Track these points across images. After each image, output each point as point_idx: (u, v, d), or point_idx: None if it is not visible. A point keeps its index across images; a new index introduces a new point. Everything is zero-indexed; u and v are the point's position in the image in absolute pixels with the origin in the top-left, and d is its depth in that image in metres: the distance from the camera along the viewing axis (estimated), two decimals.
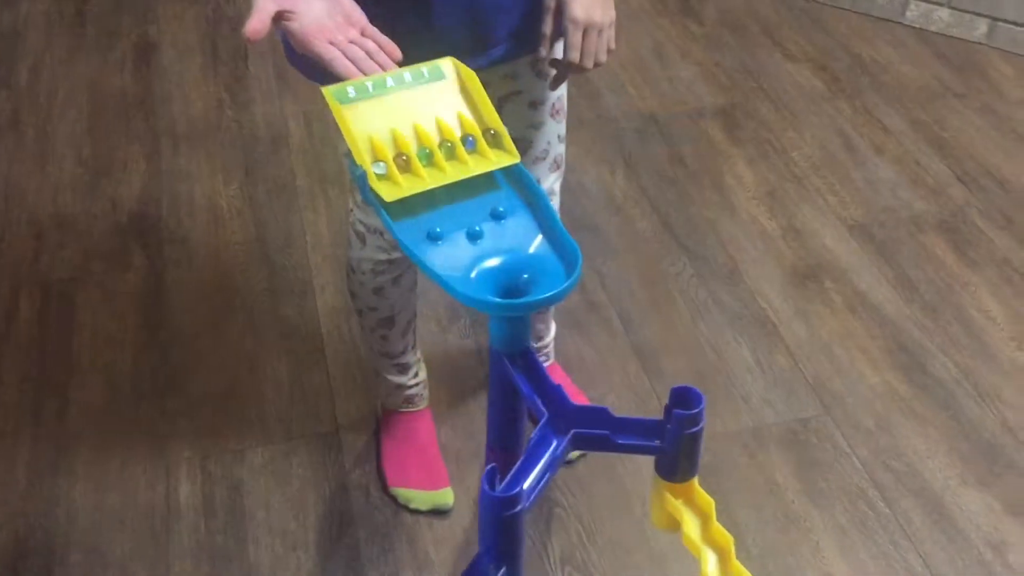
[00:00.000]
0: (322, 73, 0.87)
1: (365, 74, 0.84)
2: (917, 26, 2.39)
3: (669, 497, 0.74)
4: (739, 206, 1.89)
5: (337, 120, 0.81)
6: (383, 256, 1.24)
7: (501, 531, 0.70)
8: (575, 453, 1.44)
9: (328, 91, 0.83)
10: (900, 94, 2.18)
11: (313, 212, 1.89)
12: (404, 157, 0.81)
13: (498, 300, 0.74)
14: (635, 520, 1.38)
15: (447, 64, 0.87)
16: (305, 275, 1.75)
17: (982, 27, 2.32)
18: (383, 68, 0.86)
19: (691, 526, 0.73)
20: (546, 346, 1.51)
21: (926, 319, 1.67)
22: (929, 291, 1.72)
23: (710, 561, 0.71)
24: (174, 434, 1.49)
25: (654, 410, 1.49)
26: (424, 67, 0.86)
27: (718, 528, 0.72)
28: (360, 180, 0.80)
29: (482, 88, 0.86)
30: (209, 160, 2.00)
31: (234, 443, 1.48)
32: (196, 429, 1.50)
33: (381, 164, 0.80)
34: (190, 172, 1.98)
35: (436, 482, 1.40)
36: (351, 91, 0.83)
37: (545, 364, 1.54)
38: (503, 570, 0.70)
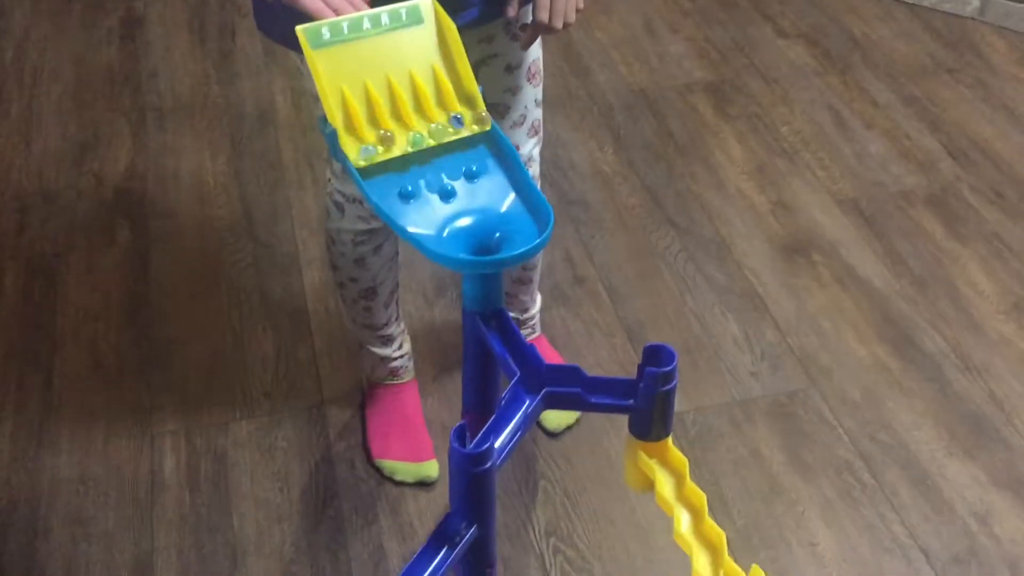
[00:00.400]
0: (293, 37, 0.86)
1: (339, 14, 0.82)
2: (910, 1, 2.37)
3: (643, 456, 0.74)
4: (728, 181, 1.88)
5: (310, 67, 0.80)
6: (362, 226, 1.23)
7: (471, 489, 0.69)
8: (559, 424, 1.43)
9: (302, 31, 0.82)
10: (892, 69, 2.17)
11: (300, 188, 1.87)
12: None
13: (469, 257, 0.74)
14: (620, 491, 1.37)
15: (427, 7, 0.86)
16: (291, 250, 1.74)
17: (974, 2, 2.30)
18: (357, 9, 0.84)
19: (665, 485, 0.72)
20: (532, 319, 1.51)
21: (915, 293, 1.67)
22: (918, 265, 1.71)
23: (684, 520, 0.71)
24: (158, 407, 1.48)
25: None
26: (403, 8, 0.85)
27: (692, 487, 0.72)
28: (330, 138, 0.79)
29: (459, 40, 0.85)
30: (195, 136, 1.99)
31: (218, 417, 1.47)
32: (180, 403, 1.49)
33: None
34: (176, 148, 1.96)
35: (421, 454, 1.40)
36: (326, 32, 0.82)
37: (531, 337, 1.53)
38: (473, 529, 0.69)
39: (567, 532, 1.33)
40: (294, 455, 1.42)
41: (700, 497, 0.71)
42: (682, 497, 0.72)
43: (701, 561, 0.69)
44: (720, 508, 1.34)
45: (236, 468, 1.40)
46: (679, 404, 1.47)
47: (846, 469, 1.40)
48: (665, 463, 0.73)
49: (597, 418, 1.46)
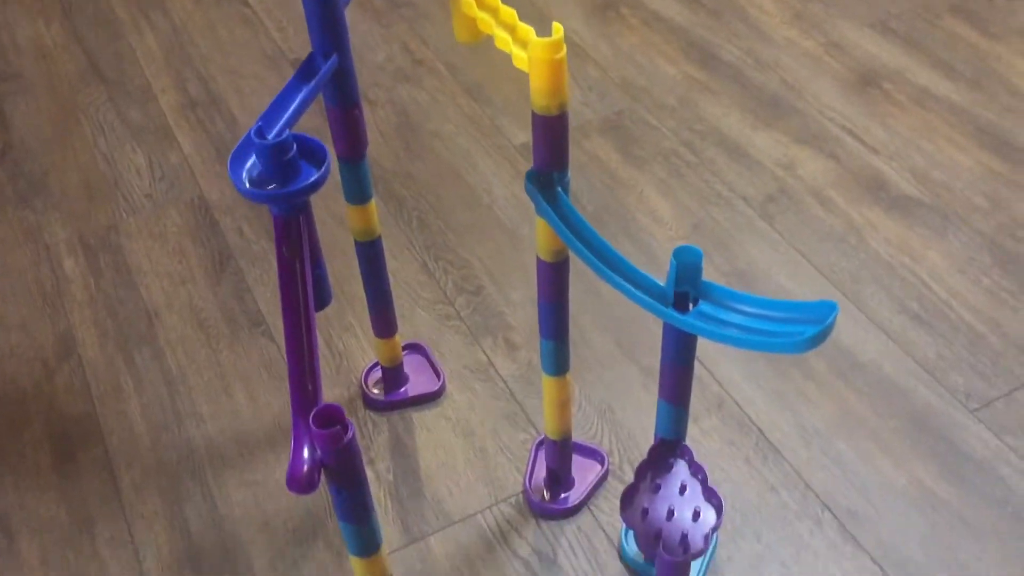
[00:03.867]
0: None
1: None
2: None
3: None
4: None
5: None
6: None
7: (325, 22, 0.83)
8: None
9: None
10: None
11: (139, 35, 1.95)
12: None
13: None
14: (485, 209, 1.55)
15: None
16: (143, 83, 1.83)
17: None
18: None
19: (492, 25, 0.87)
20: None
21: (711, 22, 1.89)
22: (711, 1, 1.94)
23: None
24: (47, 224, 1.57)
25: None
26: None
27: (524, 27, 0.86)
28: None
29: None
30: (24, 8, 2.03)
31: (106, 220, 1.57)
32: (67, 216, 1.58)
33: None
34: (6, 21, 2.00)
35: None
36: None
37: None
38: (333, 58, 0.83)
39: (444, 244, 1.50)
40: (185, 235, 1.54)
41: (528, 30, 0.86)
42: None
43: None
44: (572, 199, 1.53)
45: (133, 253, 1.51)
46: None
47: (672, 155, 1.62)
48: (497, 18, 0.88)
49: (462, 158, 1.63)
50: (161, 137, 1.72)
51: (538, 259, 0.94)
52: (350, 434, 0.74)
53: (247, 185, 0.78)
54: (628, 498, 0.96)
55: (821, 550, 1.10)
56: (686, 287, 0.86)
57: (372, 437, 1.25)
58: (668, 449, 0.98)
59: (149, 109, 1.78)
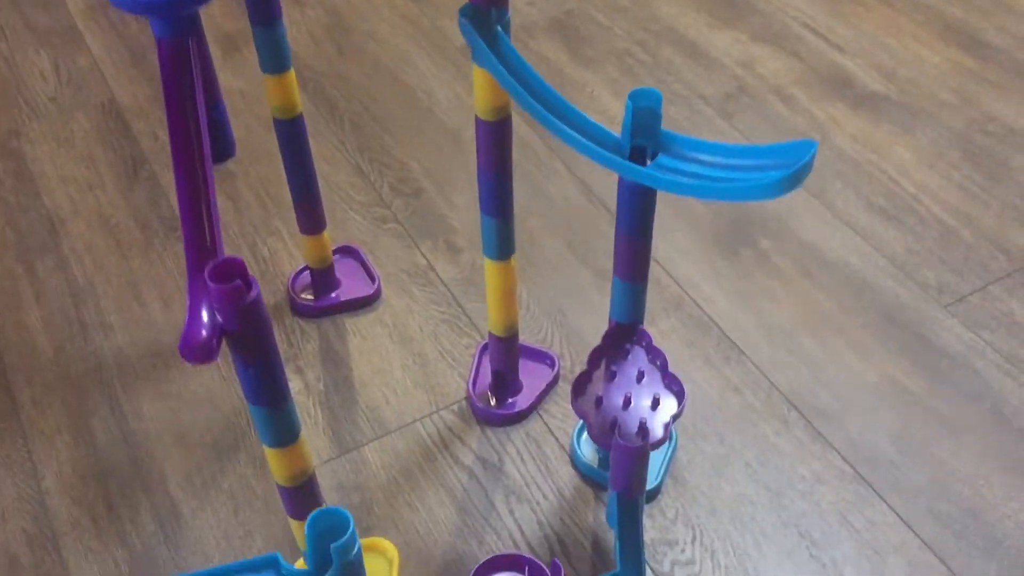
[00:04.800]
0: None
1: None
2: None
3: None
4: None
5: None
6: None
7: None
8: None
9: None
10: None
11: None
12: None
13: None
14: (424, 111, 1.44)
15: None
16: None
17: None
18: None
19: None
20: None
21: None
22: None
23: None
24: None
25: None
26: None
27: None
28: None
29: None
30: None
31: (6, 125, 1.42)
32: None
33: None
34: None
35: None
36: None
37: None
38: None
39: (380, 146, 1.38)
40: (94, 140, 1.40)
41: None
42: None
43: None
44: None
45: (36, 160, 1.37)
46: None
47: (626, 54, 1.52)
48: None
49: (399, 60, 1.51)
50: (68, 40, 1.57)
51: (477, 119, 0.83)
52: (254, 293, 0.63)
53: None
54: (580, 386, 0.86)
55: (788, 450, 1.02)
56: (643, 139, 0.76)
57: (300, 345, 1.14)
58: (624, 334, 0.89)
59: (55, 11, 1.63)
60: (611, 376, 0.86)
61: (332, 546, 0.56)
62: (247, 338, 0.64)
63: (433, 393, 1.08)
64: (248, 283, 0.62)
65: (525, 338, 1.11)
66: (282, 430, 0.72)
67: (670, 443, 1.02)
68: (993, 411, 1.05)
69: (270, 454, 0.75)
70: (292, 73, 0.97)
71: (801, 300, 1.17)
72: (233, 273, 0.62)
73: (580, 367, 1.10)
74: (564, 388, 1.08)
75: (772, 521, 0.96)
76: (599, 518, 0.98)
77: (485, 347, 1.11)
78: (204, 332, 0.62)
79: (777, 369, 1.09)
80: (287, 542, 0.96)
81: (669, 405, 0.84)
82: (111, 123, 1.42)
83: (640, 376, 0.86)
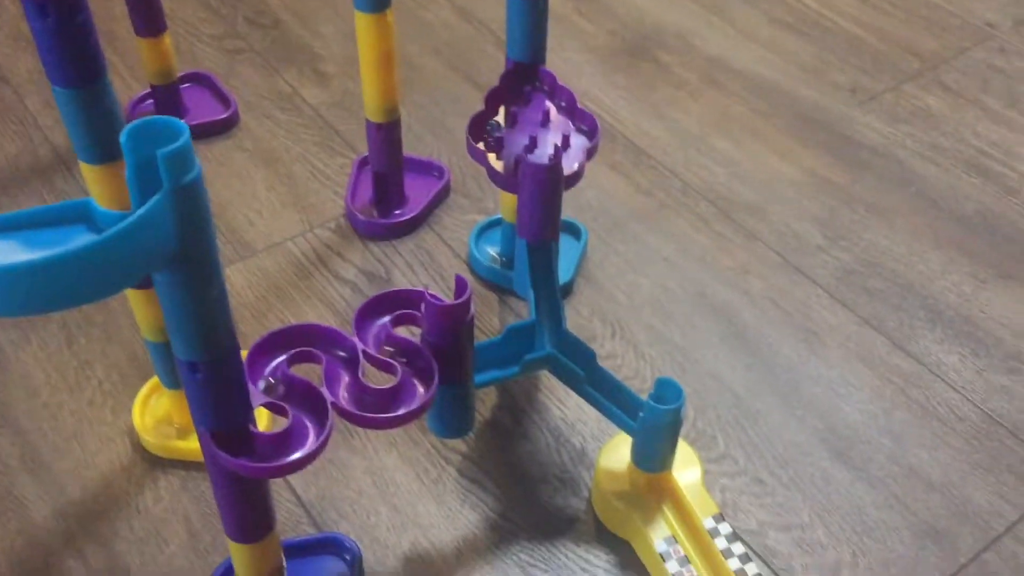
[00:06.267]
0: None
1: None
2: None
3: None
4: None
5: None
6: None
7: None
8: None
9: None
10: None
11: None
12: None
13: None
14: None
15: None
16: None
17: None
18: None
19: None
20: None
21: None
22: None
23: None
24: None
25: None
26: None
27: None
28: None
29: None
30: None
31: None
32: None
33: None
34: None
35: None
36: None
37: None
38: None
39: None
40: None
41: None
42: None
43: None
44: None
45: None
46: None
47: None
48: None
49: None
50: None
51: None
52: None
53: None
54: (476, 126, 0.73)
55: (708, 244, 0.92)
56: None
57: None
58: (524, 74, 0.76)
59: None
60: (512, 119, 0.74)
61: (159, 154, 0.38)
62: None
63: (306, 212, 0.93)
64: None
65: (409, 153, 0.97)
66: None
67: (579, 239, 0.90)
68: (920, 195, 0.97)
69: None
70: None
71: (710, 107, 1.07)
72: None
73: (472, 180, 0.97)
74: (456, 200, 0.95)
75: (698, 311, 0.85)
76: (505, 320, 0.85)
77: (363, 161, 0.97)
78: None
79: (689, 170, 0.99)
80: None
81: (580, 142, 0.72)
82: None
83: (545, 118, 0.74)
